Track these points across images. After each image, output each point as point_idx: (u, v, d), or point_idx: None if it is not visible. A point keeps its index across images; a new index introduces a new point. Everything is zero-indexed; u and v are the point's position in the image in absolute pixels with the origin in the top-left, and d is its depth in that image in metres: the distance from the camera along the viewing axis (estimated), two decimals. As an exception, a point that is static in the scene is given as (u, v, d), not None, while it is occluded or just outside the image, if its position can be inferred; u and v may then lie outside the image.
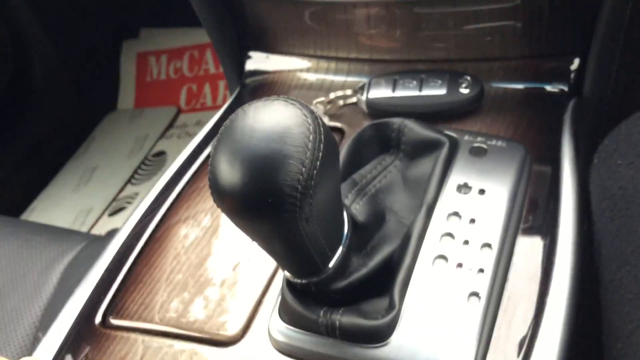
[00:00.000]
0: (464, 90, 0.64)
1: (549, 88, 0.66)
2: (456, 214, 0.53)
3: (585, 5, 0.61)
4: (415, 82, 0.66)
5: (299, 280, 0.47)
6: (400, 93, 0.66)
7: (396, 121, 0.59)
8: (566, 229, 0.53)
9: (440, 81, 0.65)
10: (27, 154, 1.63)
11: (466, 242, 0.51)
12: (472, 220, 0.53)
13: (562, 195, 0.55)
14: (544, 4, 0.64)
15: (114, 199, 1.55)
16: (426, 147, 0.58)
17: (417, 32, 0.69)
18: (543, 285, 0.50)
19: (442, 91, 0.65)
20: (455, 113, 0.65)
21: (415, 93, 0.65)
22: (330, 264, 0.46)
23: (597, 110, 0.66)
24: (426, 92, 0.65)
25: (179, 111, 1.76)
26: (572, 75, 0.65)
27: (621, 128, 0.54)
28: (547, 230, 0.54)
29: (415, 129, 0.58)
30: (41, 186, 1.66)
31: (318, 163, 0.37)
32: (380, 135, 0.60)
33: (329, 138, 0.39)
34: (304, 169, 0.36)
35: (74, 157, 1.74)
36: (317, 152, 0.37)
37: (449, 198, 0.54)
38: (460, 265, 0.50)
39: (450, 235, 0.52)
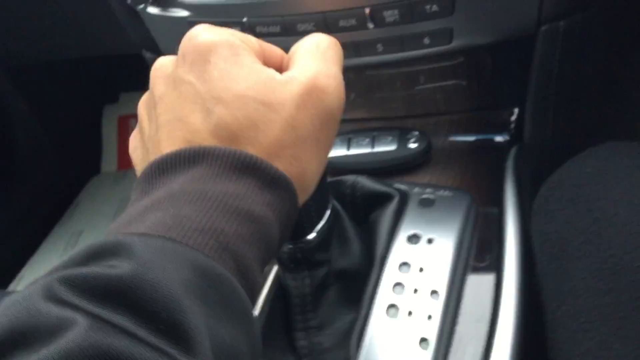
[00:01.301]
0: (413, 145, 0.69)
1: (492, 138, 0.71)
2: (406, 264, 0.57)
3: (519, 60, 0.66)
4: (367, 140, 0.70)
5: (285, 247, 0.51)
6: (354, 151, 0.70)
7: (349, 179, 0.63)
8: (510, 272, 0.57)
9: (390, 138, 0.70)
10: (13, 223, 1.65)
11: (415, 291, 0.55)
12: (421, 269, 0.56)
13: (506, 239, 0.59)
14: (485, 61, 0.69)
15: (100, 262, 1.57)
16: (378, 201, 0.62)
17: (369, 93, 0.74)
18: (490, 326, 0.53)
19: (392, 147, 0.69)
20: (406, 167, 0.69)
21: (368, 150, 0.70)
22: (316, 229, 0.50)
23: (539, 155, 0.70)
24: (378, 148, 0.70)
25: (161, 170, 1.79)
26: (512, 125, 0.70)
27: (555, 176, 0.58)
28: (494, 273, 0.57)
29: (367, 185, 0.62)
30: (29, 254, 1.68)
31: None
32: (335, 193, 0.64)
33: None
34: None
35: (60, 223, 1.77)
36: None
37: (399, 249, 0.58)
38: (410, 313, 0.53)
39: (400, 285, 0.55)
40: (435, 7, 0.59)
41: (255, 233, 0.34)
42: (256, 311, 0.55)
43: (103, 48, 1.43)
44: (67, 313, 0.26)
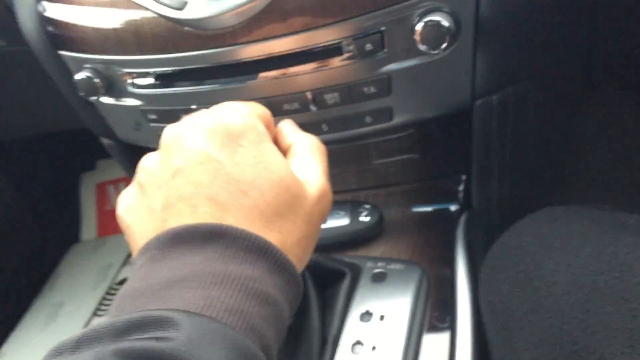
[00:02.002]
0: (365, 219, 0.70)
1: (443, 207, 0.73)
2: (359, 342, 0.58)
3: (462, 131, 0.68)
4: (320, 215, 0.72)
5: None
6: (308, 227, 0.72)
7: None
8: (463, 341, 0.58)
9: (342, 212, 0.71)
10: (-7, 298, 1.64)
11: (368, 371, 0.55)
12: (374, 348, 0.57)
13: (458, 306, 0.60)
14: (432, 132, 0.72)
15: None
16: (330, 278, 0.63)
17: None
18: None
19: (345, 221, 0.71)
20: (360, 240, 0.71)
21: (322, 225, 0.71)
22: None
23: (488, 220, 0.72)
24: (331, 223, 0.71)
25: (141, 236, 1.79)
26: (461, 193, 0.72)
27: (497, 245, 0.60)
28: (447, 347, 0.58)
29: (319, 262, 0.64)
30: (9, 329, 1.66)
31: None
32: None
33: None
34: None
35: (41, 295, 1.76)
36: None
37: (352, 327, 0.59)
38: (363, 395, 0.54)
39: (354, 365, 0.56)
40: (373, 89, 0.62)
41: (272, 315, 0.35)
42: None
43: (75, 122, 1.45)
44: None
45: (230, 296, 0.34)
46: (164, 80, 0.67)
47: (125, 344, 0.29)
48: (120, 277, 1.70)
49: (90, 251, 1.83)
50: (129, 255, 1.75)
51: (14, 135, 1.61)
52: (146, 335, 0.30)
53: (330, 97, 0.63)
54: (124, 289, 0.35)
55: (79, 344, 0.30)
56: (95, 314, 1.62)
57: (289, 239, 0.39)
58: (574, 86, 0.83)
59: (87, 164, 1.92)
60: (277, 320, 0.36)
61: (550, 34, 0.62)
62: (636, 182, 0.96)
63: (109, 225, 1.88)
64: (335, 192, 0.77)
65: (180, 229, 0.36)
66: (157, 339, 0.29)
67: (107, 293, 1.66)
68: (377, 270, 0.64)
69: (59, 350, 0.30)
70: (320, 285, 0.63)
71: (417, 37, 0.54)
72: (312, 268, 0.63)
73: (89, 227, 1.90)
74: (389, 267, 0.64)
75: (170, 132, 0.42)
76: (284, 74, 0.61)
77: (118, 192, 1.87)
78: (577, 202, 0.61)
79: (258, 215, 0.38)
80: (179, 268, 0.35)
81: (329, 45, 0.58)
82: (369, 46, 0.57)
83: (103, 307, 1.63)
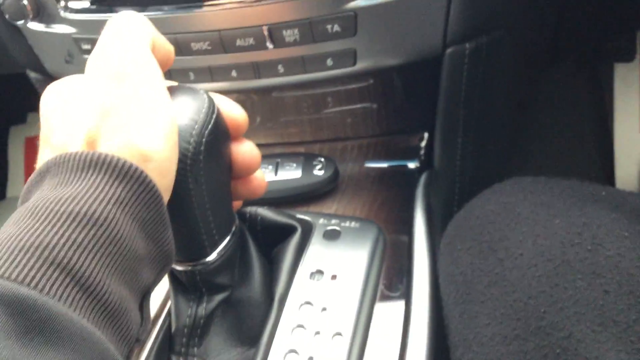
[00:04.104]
0: (319, 172, 0.65)
1: (402, 164, 0.68)
2: (308, 302, 0.52)
3: (428, 83, 0.64)
4: (270, 167, 0.66)
5: (184, 268, 0.46)
6: (256, 178, 0.66)
7: (249, 209, 0.58)
8: (419, 311, 0.53)
9: (295, 164, 0.66)
10: None
11: (317, 333, 0.50)
12: (324, 309, 0.52)
13: (414, 271, 0.56)
14: (394, 83, 0.66)
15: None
16: (279, 234, 0.57)
17: (275, 117, 0.70)
18: (398, 368, 0.50)
19: (297, 174, 0.65)
20: (312, 195, 0.65)
21: (272, 178, 0.65)
22: (217, 250, 0.46)
23: (449, 183, 0.68)
24: (282, 176, 0.65)
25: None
26: (422, 151, 0.67)
27: (460, 214, 0.55)
28: (403, 306, 0.54)
29: (268, 216, 0.58)
30: None
31: (210, 126, 0.41)
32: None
33: (220, 116, 0.43)
34: (196, 126, 0.40)
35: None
36: (209, 117, 0.41)
37: (301, 287, 0.54)
38: (311, 358, 0.49)
39: (302, 326, 0.51)
40: (337, 28, 0.56)
41: (96, 237, 0.31)
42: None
43: (4, 66, 1.34)
44: None
45: (27, 231, 0.30)
46: (100, 4, 0.60)
47: None
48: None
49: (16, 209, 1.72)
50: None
51: None
52: None
53: (290, 34, 0.57)
54: None
55: None
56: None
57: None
58: (541, 50, 0.80)
59: (17, 116, 1.80)
60: (108, 241, 0.31)
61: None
62: (588, 154, 0.95)
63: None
64: (288, 144, 0.72)
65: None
66: None
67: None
68: (331, 227, 0.58)
69: None
70: (268, 241, 0.58)
71: None
72: (260, 222, 0.57)
73: (16, 184, 1.78)
74: (343, 224, 0.59)
75: None
76: (237, 1, 0.55)
77: (49, 147, 1.76)
78: (534, 171, 0.58)
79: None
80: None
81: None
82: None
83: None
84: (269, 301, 0.52)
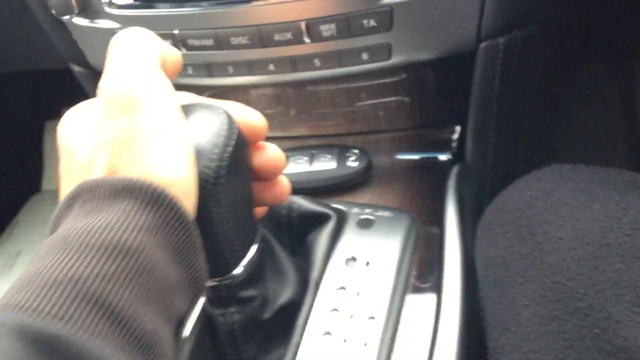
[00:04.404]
0: (353, 164, 0.66)
1: (434, 157, 0.69)
2: (343, 287, 0.54)
3: (461, 77, 0.65)
4: (306, 158, 0.68)
5: (210, 283, 0.46)
6: (292, 169, 0.68)
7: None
8: (451, 296, 0.54)
9: (330, 156, 0.67)
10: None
11: (351, 316, 0.52)
12: (358, 294, 0.53)
13: (446, 261, 0.57)
14: (427, 77, 0.68)
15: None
16: (315, 222, 0.59)
17: (310, 110, 0.72)
18: (430, 354, 0.51)
19: (332, 165, 0.67)
20: (346, 186, 0.67)
21: (307, 169, 0.67)
22: (243, 264, 0.45)
23: (481, 175, 0.69)
24: (317, 167, 0.67)
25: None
26: (454, 144, 0.69)
27: (498, 199, 0.56)
28: (434, 296, 0.55)
29: (304, 205, 0.60)
30: (-37, 276, 1.59)
31: (231, 149, 0.40)
32: (270, 213, 0.61)
33: (240, 133, 0.42)
34: (217, 150, 0.39)
35: (-3, 243, 1.69)
36: (230, 140, 0.40)
37: (335, 272, 0.55)
38: (345, 340, 0.50)
39: (336, 310, 0.53)
40: (373, 22, 0.58)
41: (129, 267, 0.30)
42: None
43: (37, 62, 1.38)
44: None
45: (60, 263, 0.29)
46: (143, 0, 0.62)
47: None
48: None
49: (52, 202, 1.76)
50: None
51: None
52: None
53: (327, 29, 0.59)
54: None
55: None
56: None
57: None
58: (573, 44, 0.81)
59: (52, 111, 1.84)
60: (141, 271, 0.31)
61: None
62: (618, 150, 0.95)
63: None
64: (322, 136, 0.74)
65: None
66: None
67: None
68: (364, 216, 0.60)
69: None
70: (304, 229, 0.59)
71: None
72: (297, 210, 0.59)
73: (51, 178, 1.83)
74: (376, 213, 0.60)
75: None
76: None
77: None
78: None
79: None
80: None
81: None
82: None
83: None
84: (303, 292, 0.54)
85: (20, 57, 1.39)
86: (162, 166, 0.34)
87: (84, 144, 0.37)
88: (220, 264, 0.45)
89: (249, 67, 0.64)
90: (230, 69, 0.65)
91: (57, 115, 1.60)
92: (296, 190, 0.62)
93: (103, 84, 0.37)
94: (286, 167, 0.64)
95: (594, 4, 0.79)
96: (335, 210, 0.60)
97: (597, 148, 0.92)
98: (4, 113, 1.74)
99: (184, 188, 0.35)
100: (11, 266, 1.58)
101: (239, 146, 0.41)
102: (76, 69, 0.75)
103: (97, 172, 0.35)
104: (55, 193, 1.78)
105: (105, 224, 0.31)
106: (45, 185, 1.81)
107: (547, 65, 0.71)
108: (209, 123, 0.40)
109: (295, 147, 0.70)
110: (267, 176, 0.46)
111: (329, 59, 0.61)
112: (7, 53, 1.37)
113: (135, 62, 0.37)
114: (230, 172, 0.40)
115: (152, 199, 0.32)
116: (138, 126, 0.35)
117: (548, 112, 0.84)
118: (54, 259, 0.30)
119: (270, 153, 0.45)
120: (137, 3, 0.63)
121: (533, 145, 0.76)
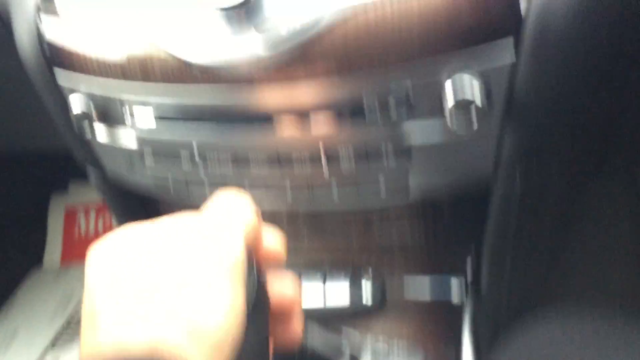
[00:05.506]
0: (367, 303, 0.66)
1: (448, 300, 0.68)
2: None
3: (476, 210, 0.64)
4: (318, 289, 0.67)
5: None
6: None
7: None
8: None
9: (342, 292, 0.67)
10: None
11: None
12: None
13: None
14: (442, 204, 0.67)
15: (34, 366, 1.47)
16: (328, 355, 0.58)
17: (322, 234, 0.71)
18: None
19: (344, 302, 0.66)
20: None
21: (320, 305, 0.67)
22: None
23: (496, 306, 0.68)
24: (329, 302, 0.67)
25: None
26: (469, 267, 0.68)
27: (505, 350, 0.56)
28: None
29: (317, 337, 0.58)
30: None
31: None
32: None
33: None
34: None
35: (-6, 318, 1.66)
36: None
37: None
38: None
39: None
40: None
41: None
42: None
43: (48, 143, 1.40)
44: None
45: None
46: (164, 117, 0.63)
47: None
48: (81, 311, 1.61)
49: (52, 279, 1.74)
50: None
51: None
52: None
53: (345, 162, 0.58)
54: None
55: None
56: (52, 346, 1.53)
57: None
58: (589, 165, 0.81)
59: (59, 184, 1.84)
60: None
61: (579, 103, 0.58)
62: (631, 271, 0.94)
63: (74, 253, 1.79)
64: (335, 250, 0.73)
65: None
66: None
67: (65, 326, 1.57)
68: (378, 349, 0.59)
69: None
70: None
71: (447, 117, 0.50)
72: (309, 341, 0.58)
73: (53, 253, 1.81)
74: (391, 349, 0.59)
75: None
76: (300, 123, 0.56)
77: (88, 219, 1.79)
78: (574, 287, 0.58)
79: None
80: None
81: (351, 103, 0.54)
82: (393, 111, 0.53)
83: (59, 341, 1.54)
84: None
85: (30, 137, 1.41)
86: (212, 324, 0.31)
87: (120, 298, 0.31)
88: None
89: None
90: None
91: (63, 187, 1.59)
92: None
93: (177, 222, 0.35)
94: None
95: (610, 126, 0.79)
96: (349, 342, 0.58)
97: (610, 267, 0.91)
98: (10, 186, 1.74)
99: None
100: (8, 344, 1.55)
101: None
102: (92, 169, 0.75)
103: (134, 341, 0.30)
104: (55, 270, 1.76)
105: None
106: (47, 259, 1.79)
107: (564, 186, 0.71)
108: None
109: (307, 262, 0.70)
110: (285, 314, 0.41)
111: (348, 195, 0.61)
112: (18, 132, 1.39)
113: (224, 227, 0.35)
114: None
115: None
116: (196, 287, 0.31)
117: (562, 232, 0.84)
118: None
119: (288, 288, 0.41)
120: (158, 118, 0.62)
121: (546, 267, 0.76)
